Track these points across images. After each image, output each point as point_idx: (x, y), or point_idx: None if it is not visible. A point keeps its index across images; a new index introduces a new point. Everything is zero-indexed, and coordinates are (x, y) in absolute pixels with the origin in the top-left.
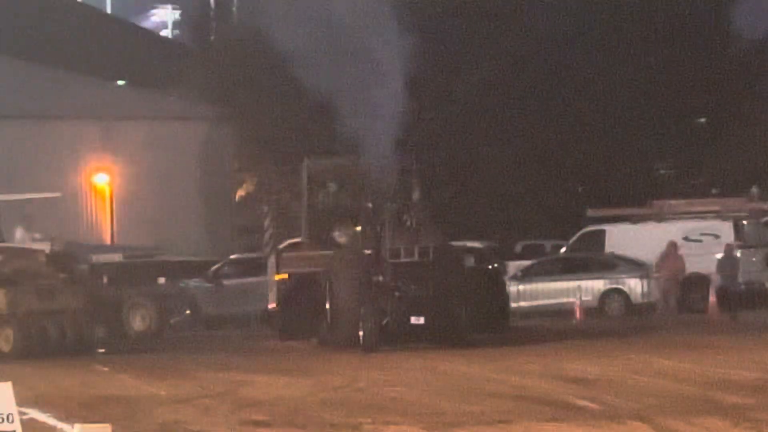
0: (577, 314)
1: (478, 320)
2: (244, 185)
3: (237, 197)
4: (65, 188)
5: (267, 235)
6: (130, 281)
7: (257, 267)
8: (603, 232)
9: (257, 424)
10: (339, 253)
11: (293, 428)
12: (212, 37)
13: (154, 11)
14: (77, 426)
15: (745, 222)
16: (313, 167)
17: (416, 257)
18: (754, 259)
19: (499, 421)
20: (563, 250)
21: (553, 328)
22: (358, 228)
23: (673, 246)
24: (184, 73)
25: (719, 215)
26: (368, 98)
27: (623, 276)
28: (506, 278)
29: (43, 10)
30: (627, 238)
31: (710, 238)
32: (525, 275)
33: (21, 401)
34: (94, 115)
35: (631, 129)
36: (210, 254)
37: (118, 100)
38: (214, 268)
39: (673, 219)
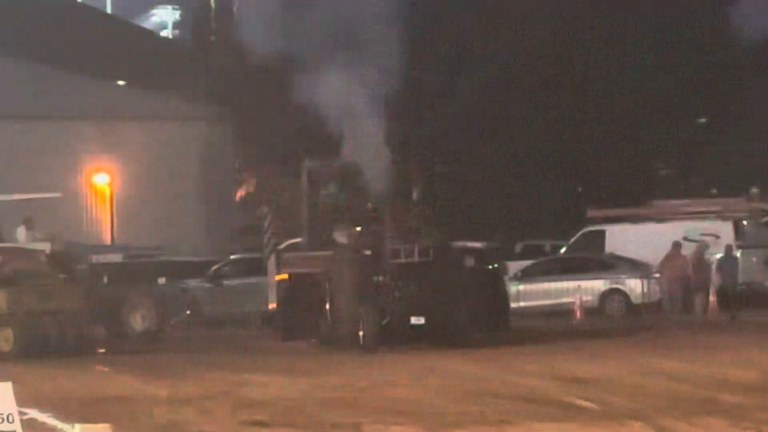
0: (577, 314)
1: (478, 320)
2: (244, 185)
3: (237, 197)
4: (65, 188)
5: (267, 236)
6: (130, 281)
7: (257, 267)
8: (603, 232)
9: (257, 424)
10: (339, 253)
11: (293, 428)
12: (212, 37)
13: (154, 11)
14: (77, 426)
15: (745, 222)
16: (313, 168)
17: (416, 257)
18: (754, 259)
19: (499, 421)
20: (563, 250)
21: (554, 328)
22: (358, 228)
23: (676, 246)
24: (184, 73)
25: (719, 215)
26: (369, 98)
27: (623, 276)
28: (506, 278)
29: (43, 10)
30: (627, 238)
31: (710, 238)
32: (525, 275)
33: (21, 401)
34: (94, 115)
35: (631, 129)
36: (210, 254)
37: (118, 100)
38: (214, 268)
39: (673, 219)
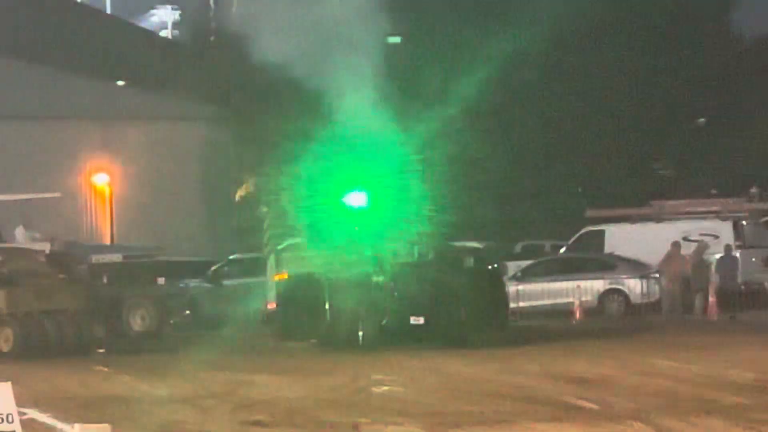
0: (577, 314)
1: (478, 320)
2: (244, 185)
3: (237, 197)
4: (65, 188)
5: (267, 236)
6: (130, 281)
7: (257, 267)
8: (603, 232)
9: (257, 424)
10: (338, 253)
11: (293, 428)
12: (212, 37)
13: (154, 11)
14: (77, 426)
15: (744, 222)
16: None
17: (416, 257)
18: (753, 259)
19: (499, 421)
20: (563, 250)
21: (553, 328)
22: (357, 228)
23: (676, 246)
24: (184, 73)
25: (719, 215)
26: (369, 98)
27: (623, 276)
28: (506, 278)
29: (43, 10)
30: (627, 238)
31: (710, 238)
32: (525, 275)
33: (21, 401)
34: (94, 115)
35: (631, 129)
36: (210, 254)
37: (118, 100)
38: (214, 268)
39: (673, 219)
